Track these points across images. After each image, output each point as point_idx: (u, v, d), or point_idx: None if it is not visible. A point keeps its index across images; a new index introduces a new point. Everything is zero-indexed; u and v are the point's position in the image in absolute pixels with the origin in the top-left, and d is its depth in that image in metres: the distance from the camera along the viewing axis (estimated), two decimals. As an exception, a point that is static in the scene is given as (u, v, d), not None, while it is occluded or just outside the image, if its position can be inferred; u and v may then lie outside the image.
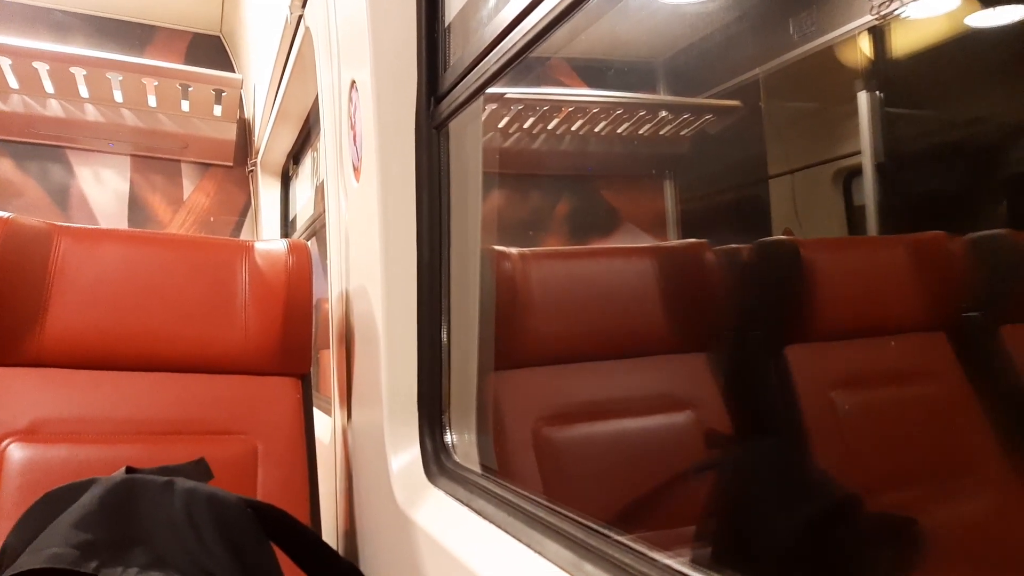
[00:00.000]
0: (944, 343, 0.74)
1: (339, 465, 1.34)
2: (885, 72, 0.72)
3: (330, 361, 1.40)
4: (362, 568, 1.15)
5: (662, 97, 1.42)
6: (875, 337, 0.74)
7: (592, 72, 1.61)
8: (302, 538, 0.87)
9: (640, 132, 1.55)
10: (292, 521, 0.85)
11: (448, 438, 1.02)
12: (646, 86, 1.44)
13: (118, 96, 2.56)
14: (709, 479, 0.95)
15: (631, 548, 0.61)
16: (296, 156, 2.74)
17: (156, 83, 2.51)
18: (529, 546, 0.69)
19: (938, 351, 0.74)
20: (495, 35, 0.83)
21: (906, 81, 0.72)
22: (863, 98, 0.72)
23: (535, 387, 1.15)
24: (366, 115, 1.07)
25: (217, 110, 2.69)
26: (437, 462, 0.99)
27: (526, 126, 1.75)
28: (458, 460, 0.99)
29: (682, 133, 1.41)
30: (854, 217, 0.81)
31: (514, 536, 0.73)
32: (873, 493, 0.66)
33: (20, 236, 1.04)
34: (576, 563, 0.63)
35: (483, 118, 1.05)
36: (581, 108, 1.67)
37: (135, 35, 2.86)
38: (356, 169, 1.15)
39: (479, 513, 0.81)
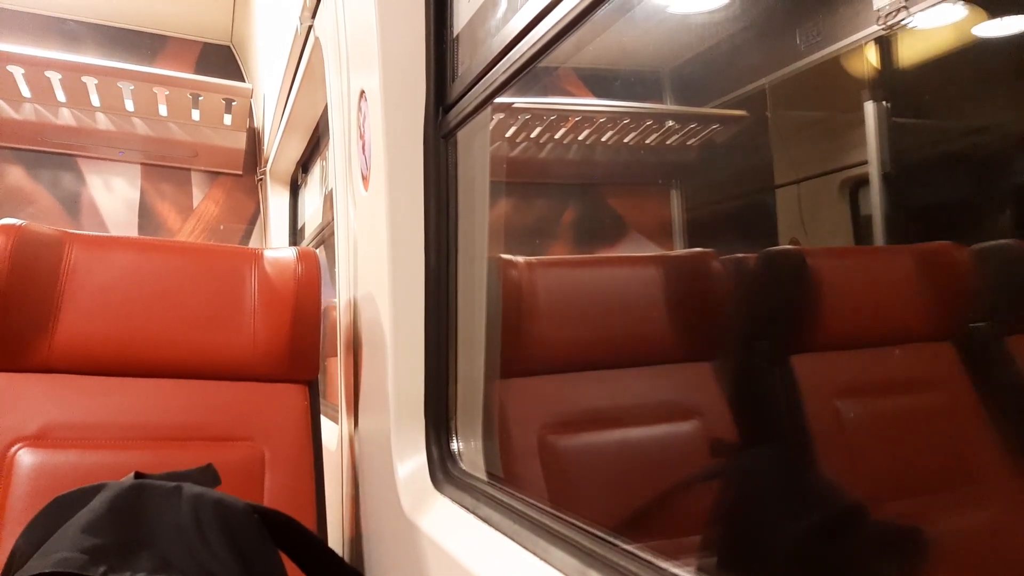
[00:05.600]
0: (950, 353, 0.74)
1: (345, 472, 1.34)
2: (892, 82, 0.72)
3: (337, 368, 1.41)
4: (367, 575, 1.15)
5: (668, 107, 1.42)
6: (881, 347, 0.74)
7: (599, 82, 1.62)
8: (308, 544, 0.88)
9: (647, 141, 1.56)
10: (298, 527, 0.85)
11: (454, 446, 1.02)
12: (652, 96, 1.44)
13: (129, 105, 2.58)
14: (715, 488, 0.95)
15: (637, 556, 0.61)
16: (305, 165, 2.76)
17: (167, 92, 2.53)
18: (535, 553, 0.70)
19: (944, 361, 0.74)
20: (503, 46, 0.83)
21: (913, 91, 0.72)
22: (870, 108, 0.72)
23: (541, 395, 1.15)
24: (375, 124, 1.08)
25: (227, 119, 2.71)
26: (443, 469, 0.99)
27: (533, 135, 1.76)
28: (464, 468, 0.99)
29: (688, 142, 1.41)
30: (860, 227, 0.81)
31: (520, 544, 0.73)
32: (879, 502, 0.66)
33: (31, 243, 1.05)
34: (582, 570, 0.63)
35: (491, 127, 1.06)
36: (588, 117, 1.68)
37: (146, 45, 2.89)
38: (364, 178, 1.16)
39: (485, 520, 0.81)
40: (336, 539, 1.36)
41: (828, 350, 0.85)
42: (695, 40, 1.03)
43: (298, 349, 1.16)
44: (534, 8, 0.76)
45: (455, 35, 1.04)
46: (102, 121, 2.63)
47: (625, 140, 1.63)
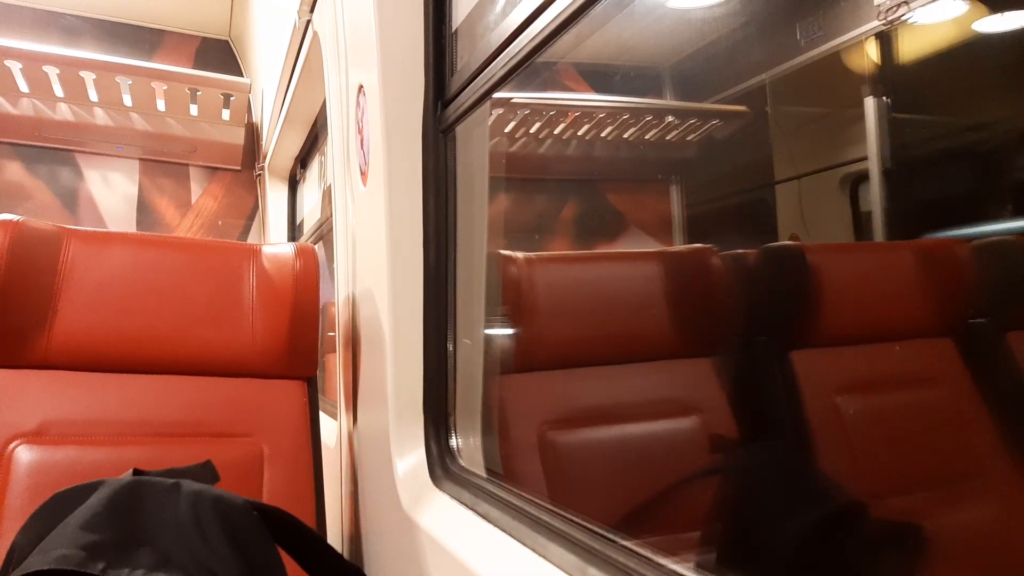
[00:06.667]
0: (951, 349, 0.74)
1: (344, 468, 1.34)
2: (892, 77, 0.72)
3: (336, 365, 1.41)
4: (367, 571, 1.15)
5: (668, 102, 1.42)
6: (881, 343, 0.74)
7: (598, 77, 1.61)
8: (307, 541, 0.87)
9: (646, 137, 1.55)
10: (297, 524, 0.85)
11: (453, 442, 1.02)
12: (652, 91, 1.44)
13: (127, 100, 2.57)
14: (714, 484, 0.95)
15: (636, 552, 0.61)
16: (303, 160, 2.75)
17: (165, 87, 2.52)
18: (534, 550, 0.69)
19: (944, 357, 0.74)
20: (501, 40, 0.83)
21: (913, 86, 0.71)
22: (870, 103, 0.72)
23: (541, 391, 1.15)
24: (373, 119, 1.07)
25: (225, 114, 2.71)
26: (442, 466, 0.99)
27: (533, 131, 1.76)
28: (463, 464, 0.99)
29: (688, 138, 1.41)
30: (861, 222, 0.80)
31: (519, 540, 0.73)
32: (879, 498, 0.66)
33: (29, 239, 1.04)
34: (581, 567, 0.63)
35: (489, 123, 1.05)
36: (587, 113, 1.67)
37: (144, 39, 2.88)
38: (363, 173, 1.16)
39: (484, 517, 0.81)
40: (335, 535, 1.36)
41: (828, 346, 0.85)
42: (695, 35, 1.03)
43: (297, 345, 1.16)
44: (533, 2, 0.76)
45: (454, 30, 1.03)
46: (100, 116, 2.62)
47: (625, 136, 1.63)
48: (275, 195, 2.92)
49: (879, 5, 0.65)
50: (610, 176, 1.77)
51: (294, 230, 2.91)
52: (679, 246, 1.42)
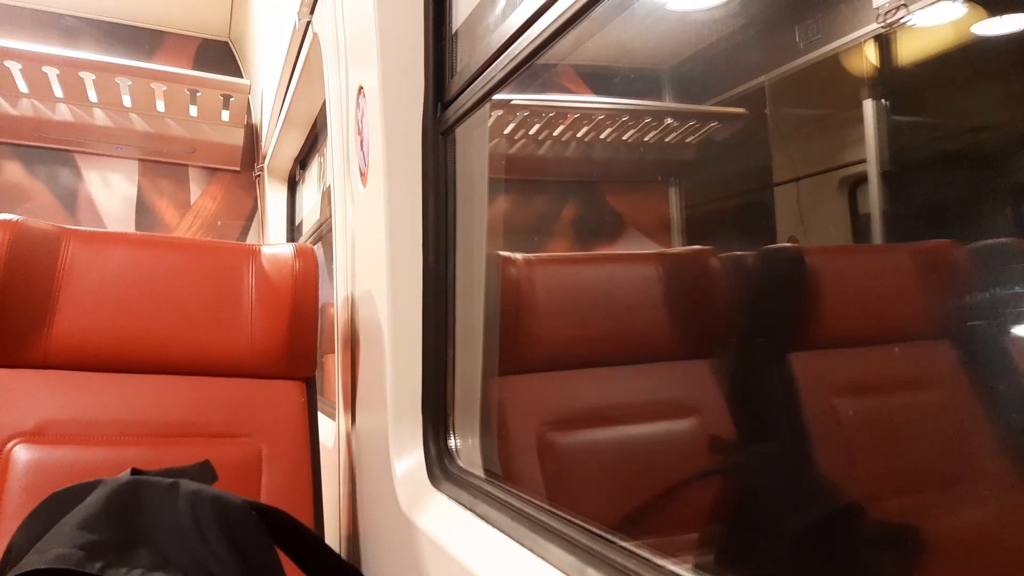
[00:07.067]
0: (949, 352, 0.74)
1: (343, 469, 1.34)
2: (891, 80, 0.72)
3: (335, 365, 1.41)
4: (365, 572, 1.15)
5: (668, 104, 1.42)
6: (879, 345, 0.74)
7: (598, 79, 1.61)
8: (305, 541, 0.87)
9: (645, 139, 1.56)
10: (296, 524, 0.85)
11: (452, 442, 1.02)
12: (652, 93, 1.44)
13: (127, 101, 2.57)
14: (713, 485, 0.95)
15: (635, 553, 0.61)
16: (303, 161, 2.75)
17: (164, 88, 2.53)
18: (532, 551, 0.70)
19: (943, 360, 0.74)
20: (501, 42, 0.83)
21: (913, 89, 0.72)
22: (869, 106, 0.72)
23: (539, 392, 1.15)
24: (373, 121, 1.08)
25: (225, 115, 2.71)
26: (441, 466, 0.99)
27: (532, 132, 1.76)
28: (462, 464, 0.99)
29: (687, 140, 1.41)
30: (859, 225, 0.81)
31: (517, 541, 0.73)
32: (876, 501, 0.66)
33: (29, 239, 1.04)
34: (580, 568, 0.63)
35: (489, 124, 1.05)
36: (587, 115, 1.67)
37: (144, 40, 2.89)
38: (363, 174, 1.16)
39: (482, 518, 0.81)
40: (333, 536, 1.36)
41: (826, 348, 0.85)
42: (695, 37, 1.03)
43: (295, 346, 1.16)
44: (533, 4, 0.76)
45: (454, 31, 1.03)
46: (100, 117, 2.62)
47: (624, 137, 1.63)
48: (274, 196, 2.92)
49: (878, 8, 0.65)
50: (609, 178, 1.77)
51: (293, 231, 2.91)
52: (678, 248, 1.42)
